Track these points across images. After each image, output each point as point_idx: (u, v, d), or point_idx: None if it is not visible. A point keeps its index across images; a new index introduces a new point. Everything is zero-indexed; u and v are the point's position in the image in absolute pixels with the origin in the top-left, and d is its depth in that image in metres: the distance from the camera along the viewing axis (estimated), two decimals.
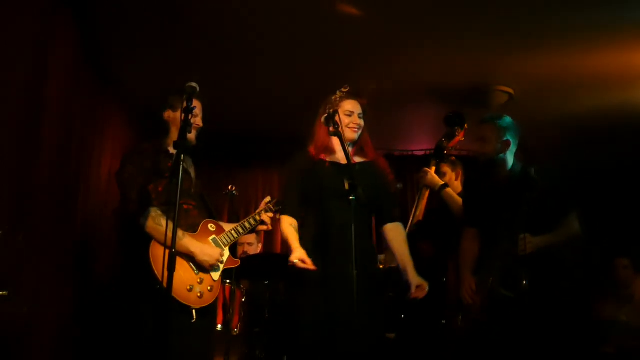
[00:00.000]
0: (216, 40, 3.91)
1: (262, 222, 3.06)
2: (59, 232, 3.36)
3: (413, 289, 2.71)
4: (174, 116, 2.89)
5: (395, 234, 2.89)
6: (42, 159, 3.09)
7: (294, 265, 2.59)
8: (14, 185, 2.79)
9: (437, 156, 3.78)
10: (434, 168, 3.74)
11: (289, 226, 2.79)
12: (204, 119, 2.92)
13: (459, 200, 3.57)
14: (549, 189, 2.86)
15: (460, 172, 3.93)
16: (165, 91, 2.97)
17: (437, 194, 3.68)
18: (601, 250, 5.13)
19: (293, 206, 2.84)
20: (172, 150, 2.84)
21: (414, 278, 2.73)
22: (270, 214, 3.07)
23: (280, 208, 2.97)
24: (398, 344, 3.72)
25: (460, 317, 3.05)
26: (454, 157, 3.83)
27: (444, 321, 3.52)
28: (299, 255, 2.60)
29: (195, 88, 2.45)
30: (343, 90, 2.95)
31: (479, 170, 3.18)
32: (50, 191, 3.19)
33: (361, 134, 2.91)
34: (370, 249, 2.85)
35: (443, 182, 3.71)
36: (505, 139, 3.07)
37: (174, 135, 2.84)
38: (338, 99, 2.91)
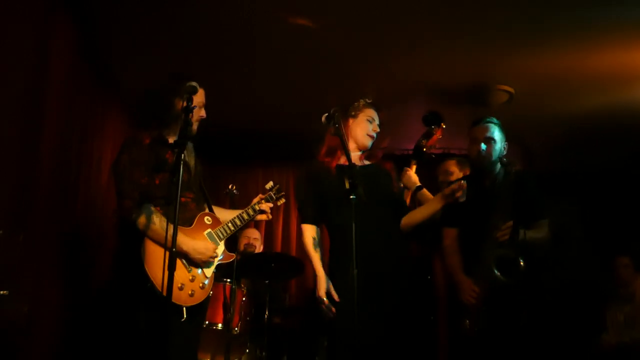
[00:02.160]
0: (216, 40, 3.90)
1: (262, 212, 2.98)
2: (59, 231, 3.36)
3: (456, 191, 2.68)
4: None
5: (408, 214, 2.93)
6: (43, 159, 3.09)
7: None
8: (15, 185, 2.79)
9: (416, 156, 3.74)
10: (414, 167, 3.71)
11: (310, 239, 2.82)
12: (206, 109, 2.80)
13: None
14: (530, 191, 2.97)
15: (468, 172, 3.92)
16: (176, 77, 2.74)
17: (413, 194, 3.64)
18: (602, 248, 5.13)
19: (310, 213, 2.86)
20: (171, 140, 2.71)
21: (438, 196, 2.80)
22: (270, 204, 3.02)
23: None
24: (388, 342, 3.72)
25: (467, 322, 2.98)
26: (434, 156, 3.84)
27: (432, 317, 3.56)
28: (322, 294, 2.67)
29: (195, 87, 2.46)
30: (367, 100, 3.00)
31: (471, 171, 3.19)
32: (51, 190, 3.19)
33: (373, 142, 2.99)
34: (401, 246, 2.86)
35: (419, 184, 3.64)
36: (506, 140, 3.15)
37: (179, 126, 2.66)
38: (361, 105, 2.97)
